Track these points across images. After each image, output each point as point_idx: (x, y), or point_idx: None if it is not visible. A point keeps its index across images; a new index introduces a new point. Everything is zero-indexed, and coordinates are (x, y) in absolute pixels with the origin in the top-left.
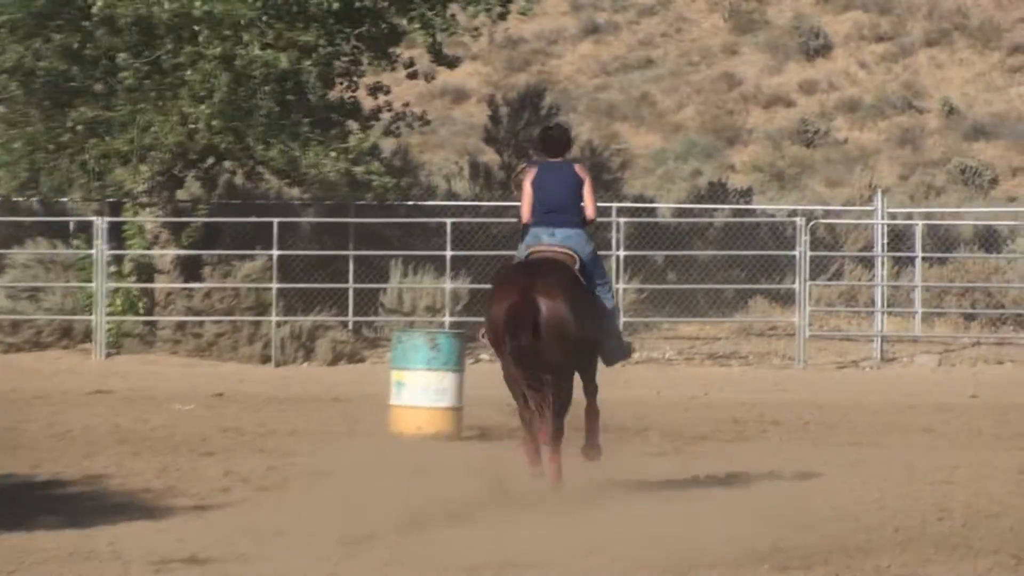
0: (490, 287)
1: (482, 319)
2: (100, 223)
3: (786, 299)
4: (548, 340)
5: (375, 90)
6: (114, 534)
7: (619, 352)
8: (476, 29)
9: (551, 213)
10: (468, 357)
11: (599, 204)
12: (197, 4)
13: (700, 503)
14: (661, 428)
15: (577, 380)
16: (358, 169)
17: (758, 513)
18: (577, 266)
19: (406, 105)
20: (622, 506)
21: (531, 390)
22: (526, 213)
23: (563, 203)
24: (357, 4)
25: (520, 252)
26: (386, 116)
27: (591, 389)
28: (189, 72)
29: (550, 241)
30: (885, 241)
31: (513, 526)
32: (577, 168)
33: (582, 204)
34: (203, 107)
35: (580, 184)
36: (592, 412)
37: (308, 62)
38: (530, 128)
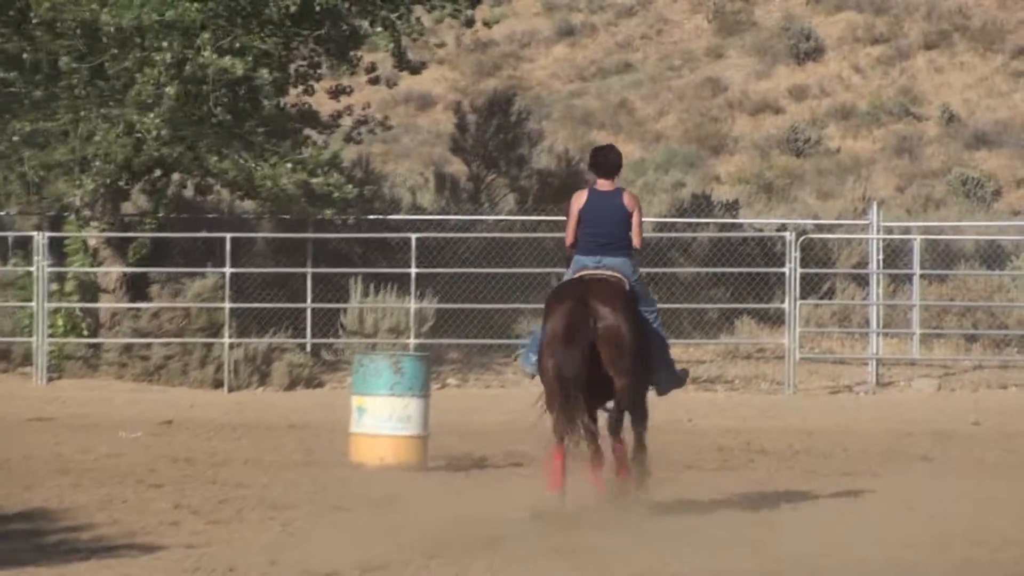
0: (544, 307)
1: (449, 340)
2: (40, 238)
3: (775, 319)
4: (606, 347)
5: (336, 93)
6: (55, 572)
7: (674, 379)
8: (441, 43)
9: (600, 244)
10: (434, 382)
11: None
12: (146, 12)
13: (680, 535)
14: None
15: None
16: (316, 180)
17: (743, 547)
18: (628, 288)
19: (367, 107)
20: (591, 542)
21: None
22: (571, 238)
23: (611, 234)
24: (316, 6)
25: (567, 278)
26: (346, 121)
27: (640, 415)
28: (137, 78)
29: (596, 266)
30: (881, 257)
31: (483, 564)
32: (626, 199)
33: (630, 234)
34: (151, 115)
35: (629, 216)
36: (638, 446)
37: (264, 69)
38: (500, 137)
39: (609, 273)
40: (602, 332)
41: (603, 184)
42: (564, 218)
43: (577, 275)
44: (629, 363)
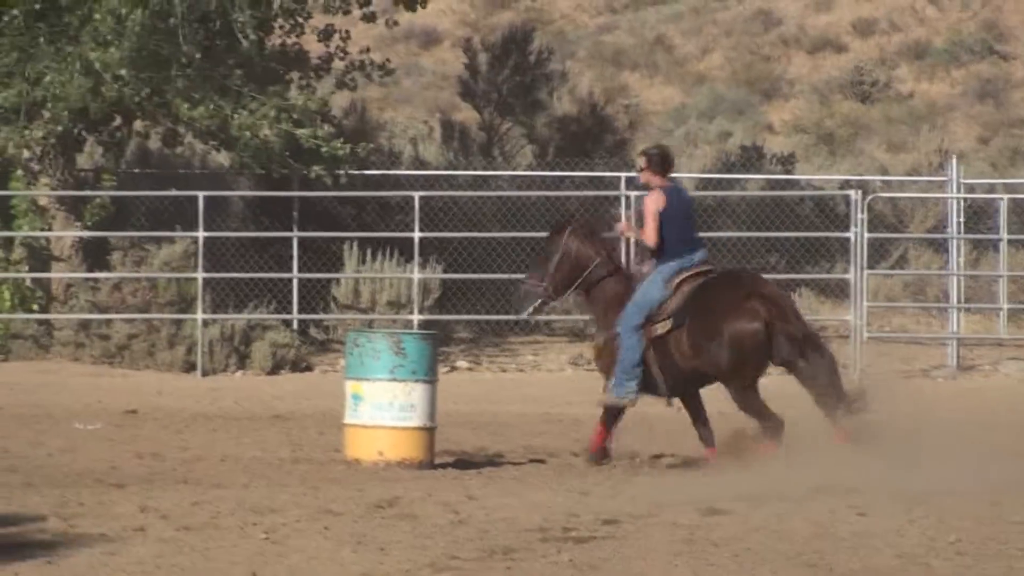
0: (710, 307)
1: (458, 316)
2: None
3: (838, 292)
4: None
5: (326, 34)
6: None
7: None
8: None
9: (688, 242)
10: (441, 364)
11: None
12: None
13: (722, 545)
14: (684, 449)
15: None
16: (302, 132)
17: (803, 562)
18: None
19: (364, 51)
20: (609, 554)
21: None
22: (653, 239)
23: (693, 230)
24: None
25: (666, 278)
26: (338, 65)
27: None
28: (94, 8)
29: (701, 262)
30: (961, 220)
31: None
32: (685, 192)
33: None
34: (111, 51)
35: (694, 207)
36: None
37: (243, 1)
38: (516, 79)
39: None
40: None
41: (665, 181)
42: (590, 173)
43: (701, 271)
44: None
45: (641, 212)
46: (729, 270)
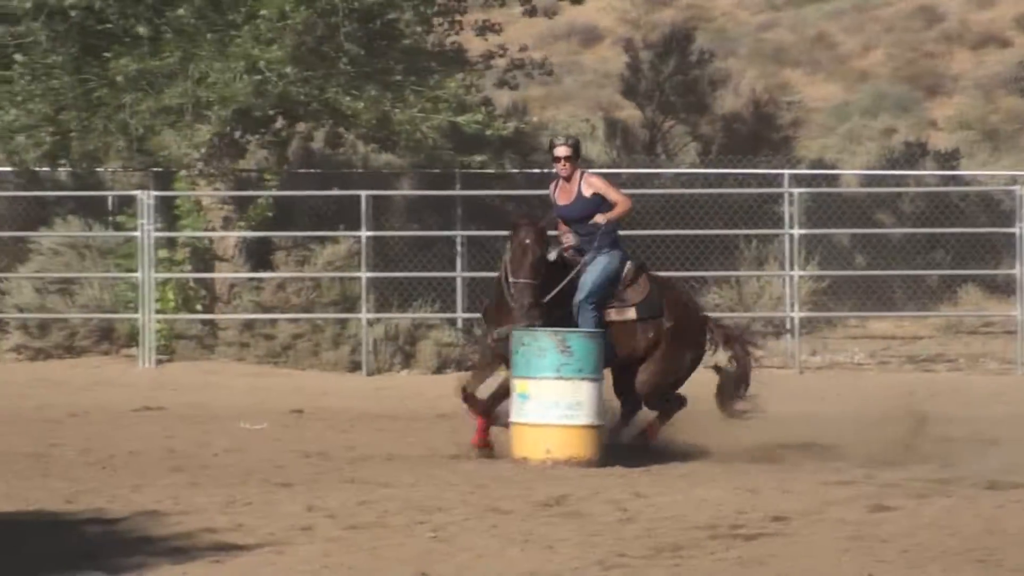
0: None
1: None
2: (145, 198)
3: (1004, 288)
4: None
5: (484, 30)
6: None
7: None
8: None
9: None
10: None
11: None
12: None
13: (890, 541)
14: (847, 449)
15: None
16: (463, 118)
17: (973, 558)
18: None
19: (524, 49)
20: (777, 551)
21: None
22: (628, 200)
23: None
24: None
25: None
26: (499, 64)
27: None
28: (256, 7)
29: None
30: None
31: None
32: None
33: None
34: (274, 49)
35: None
36: None
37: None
38: (678, 77)
39: None
40: None
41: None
42: (753, 171)
43: None
44: None
45: (598, 192)
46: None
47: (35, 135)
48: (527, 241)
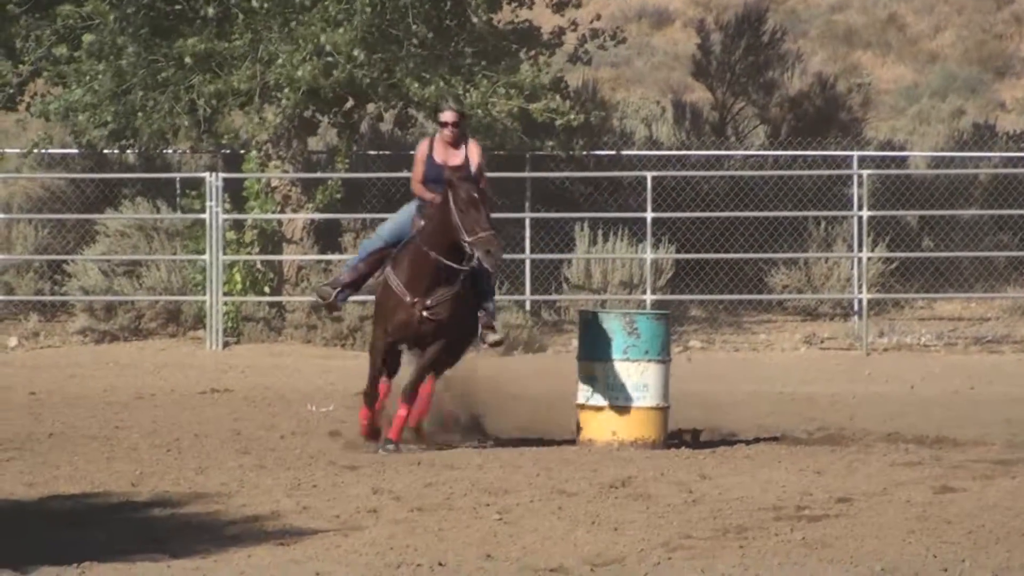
0: None
1: (691, 296)
2: (213, 180)
3: None
4: None
5: (561, 5)
6: (235, 566)
7: None
8: None
9: None
10: (674, 344)
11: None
12: None
13: (956, 523)
14: (915, 431)
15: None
16: (535, 107)
17: None
18: None
19: (596, 19)
20: (842, 532)
21: None
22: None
23: None
24: None
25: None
26: (570, 39)
27: None
28: None
29: None
30: None
31: (732, 557)
32: None
33: None
34: (341, 32)
35: None
36: None
37: None
38: (749, 59)
39: None
40: None
41: None
42: (823, 152)
43: None
44: None
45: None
46: None
47: (98, 114)
48: (474, 193)
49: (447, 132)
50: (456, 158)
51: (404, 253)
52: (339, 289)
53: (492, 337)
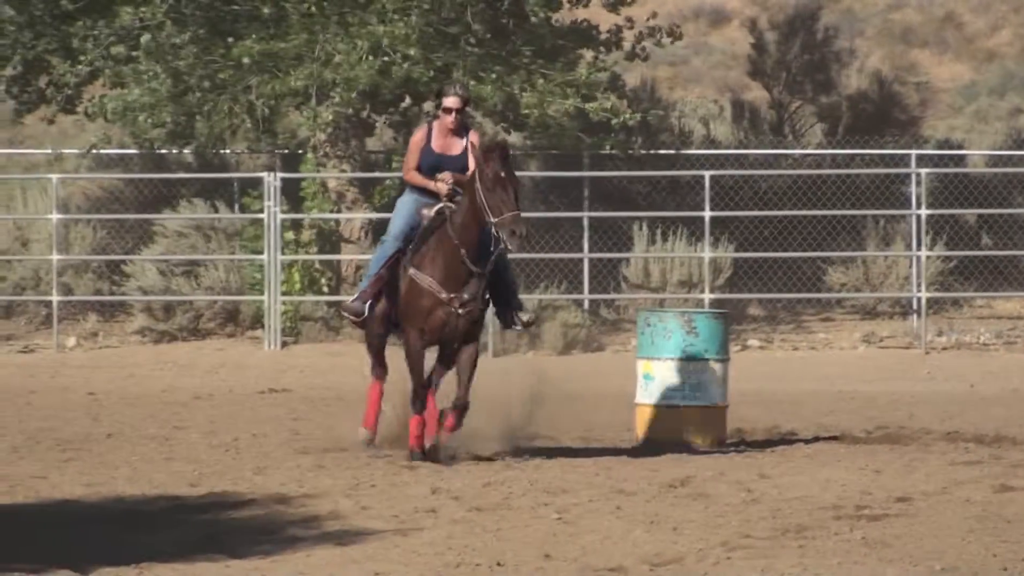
0: None
1: (750, 295)
2: (271, 180)
3: None
4: None
5: (616, 3)
6: (293, 566)
7: None
8: None
9: None
10: (733, 343)
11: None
12: None
13: (1016, 522)
14: (975, 430)
15: None
16: (591, 106)
17: None
18: None
19: (653, 16)
20: (899, 531)
21: None
22: None
23: None
24: None
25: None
26: (628, 36)
27: None
28: None
29: None
30: None
31: (791, 557)
32: None
33: None
34: (398, 30)
35: None
36: None
37: None
38: (805, 57)
39: None
40: None
41: None
42: (881, 151)
43: None
44: None
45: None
46: None
47: (156, 114)
48: (501, 173)
49: (449, 119)
50: (456, 148)
51: (428, 249)
52: (368, 302)
53: (526, 316)
